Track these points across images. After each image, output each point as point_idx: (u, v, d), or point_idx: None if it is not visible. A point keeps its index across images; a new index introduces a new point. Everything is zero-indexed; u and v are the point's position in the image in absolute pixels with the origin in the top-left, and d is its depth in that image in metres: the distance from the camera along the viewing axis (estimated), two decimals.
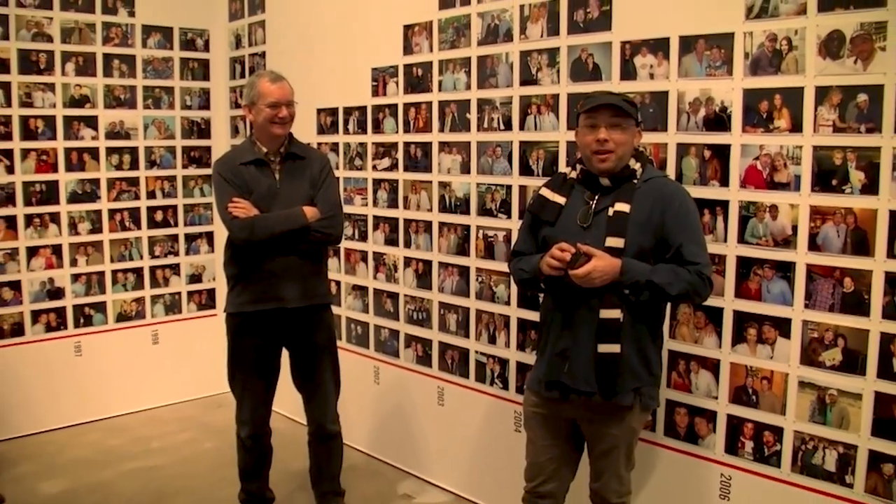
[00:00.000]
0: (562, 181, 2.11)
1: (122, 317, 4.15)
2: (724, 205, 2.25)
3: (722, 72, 2.23)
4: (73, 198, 3.94)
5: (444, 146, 3.11)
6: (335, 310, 3.20)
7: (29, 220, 3.81)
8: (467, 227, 3.04)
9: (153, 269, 4.25)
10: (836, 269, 2.04)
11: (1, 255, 3.74)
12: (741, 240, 2.22)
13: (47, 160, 3.85)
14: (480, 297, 3.02)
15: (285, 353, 2.80)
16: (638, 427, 2.10)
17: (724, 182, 2.25)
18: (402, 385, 3.43)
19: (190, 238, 4.38)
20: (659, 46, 2.37)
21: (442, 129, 3.11)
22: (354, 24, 3.52)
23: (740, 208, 2.22)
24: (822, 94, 2.03)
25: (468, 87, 2.98)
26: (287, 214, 2.58)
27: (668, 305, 2.27)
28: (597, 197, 2.03)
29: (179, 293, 4.37)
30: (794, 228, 2.11)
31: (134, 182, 4.14)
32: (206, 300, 4.47)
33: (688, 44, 2.30)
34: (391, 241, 3.41)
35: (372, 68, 3.42)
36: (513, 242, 2.43)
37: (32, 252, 3.83)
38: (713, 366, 2.32)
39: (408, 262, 3.33)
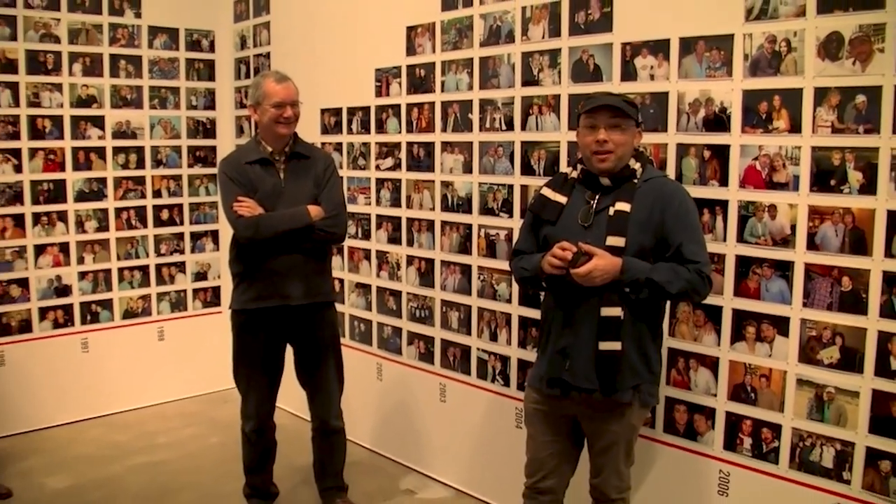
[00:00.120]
0: (563, 181, 2.13)
1: (128, 314, 4.18)
2: (724, 204, 2.26)
3: (721, 73, 2.24)
4: (80, 196, 3.97)
5: (446, 146, 3.13)
6: (339, 307, 3.23)
7: (37, 218, 3.85)
8: (469, 226, 3.06)
9: (159, 267, 4.28)
10: (835, 269, 2.05)
11: (9, 252, 3.78)
12: (740, 239, 2.24)
13: (55, 159, 3.88)
14: (482, 294, 3.04)
15: (290, 350, 2.83)
16: (637, 424, 2.12)
17: (724, 182, 2.26)
18: (404, 382, 3.45)
19: (195, 236, 4.42)
20: (659, 48, 2.38)
21: (444, 130, 3.13)
22: (358, 26, 3.54)
23: (739, 208, 2.23)
24: (820, 95, 2.05)
25: (470, 87, 3.00)
26: (291, 213, 2.60)
27: (668, 304, 2.29)
28: (597, 196, 2.05)
29: (185, 290, 4.40)
30: (793, 228, 2.12)
31: (140, 181, 4.17)
32: (211, 297, 4.50)
33: (688, 45, 2.31)
34: (394, 239, 3.43)
35: (375, 69, 3.44)
36: (514, 241, 2.45)
37: (40, 250, 3.87)
38: (712, 363, 2.34)
39: (410, 260, 3.36)
